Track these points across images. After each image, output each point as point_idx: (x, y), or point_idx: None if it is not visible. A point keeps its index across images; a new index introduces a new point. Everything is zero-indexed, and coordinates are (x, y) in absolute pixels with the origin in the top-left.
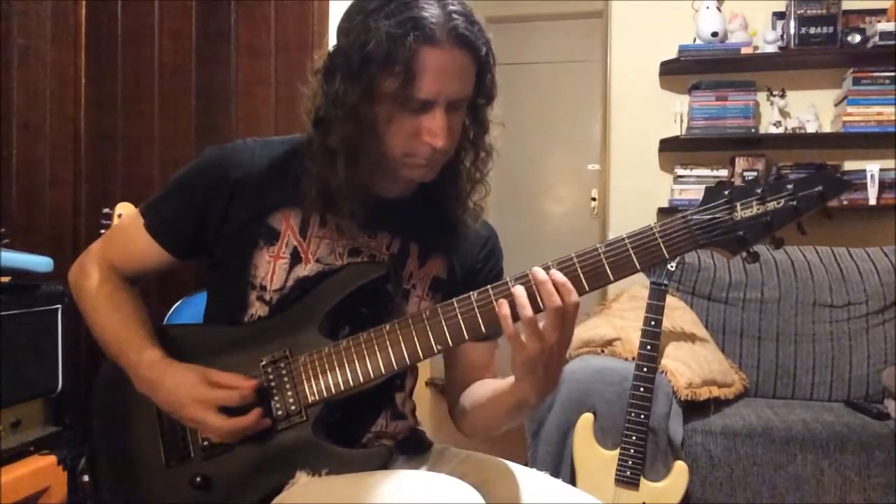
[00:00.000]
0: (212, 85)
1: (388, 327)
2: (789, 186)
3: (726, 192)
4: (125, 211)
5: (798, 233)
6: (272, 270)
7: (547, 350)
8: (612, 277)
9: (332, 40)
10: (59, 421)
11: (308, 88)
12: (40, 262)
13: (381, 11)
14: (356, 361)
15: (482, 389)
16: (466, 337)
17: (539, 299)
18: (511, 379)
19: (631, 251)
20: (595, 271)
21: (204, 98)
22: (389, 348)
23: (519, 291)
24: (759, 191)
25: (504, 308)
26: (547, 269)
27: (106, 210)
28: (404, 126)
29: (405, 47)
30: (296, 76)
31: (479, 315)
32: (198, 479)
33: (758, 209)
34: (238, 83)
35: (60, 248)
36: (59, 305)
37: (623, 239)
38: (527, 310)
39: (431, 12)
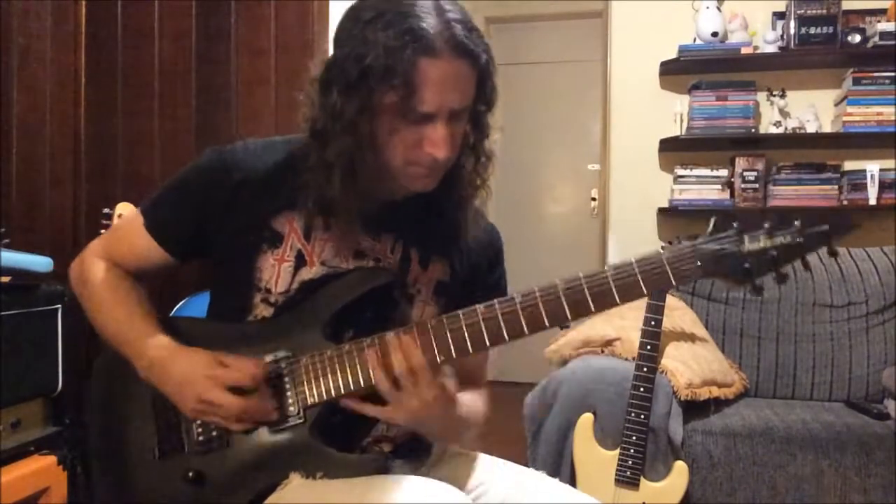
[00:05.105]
0: (212, 85)
1: (391, 335)
2: (797, 223)
3: (735, 224)
4: (125, 211)
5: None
6: (277, 273)
7: (422, 406)
8: (618, 300)
9: (333, 41)
10: (59, 421)
11: (305, 96)
12: (40, 262)
13: (379, 21)
14: (358, 365)
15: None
16: (471, 350)
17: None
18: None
19: (639, 276)
20: (602, 293)
21: (204, 98)
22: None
23: (371, 355)
24: (766, 225)
25: (373, 359)
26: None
27: (106, 210)
28: (405, 137)
29: (404, 61)
30: (296, 76)
31: (484, 328)
32: (190, 473)
33: (765, 243)
34: (238, 83)
35: (60, 248)
36: (59, 305)
37: (631, 263)
38: (378, 371)
39: (429, 22)
